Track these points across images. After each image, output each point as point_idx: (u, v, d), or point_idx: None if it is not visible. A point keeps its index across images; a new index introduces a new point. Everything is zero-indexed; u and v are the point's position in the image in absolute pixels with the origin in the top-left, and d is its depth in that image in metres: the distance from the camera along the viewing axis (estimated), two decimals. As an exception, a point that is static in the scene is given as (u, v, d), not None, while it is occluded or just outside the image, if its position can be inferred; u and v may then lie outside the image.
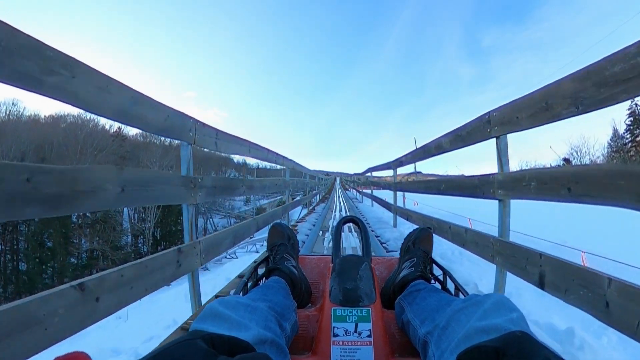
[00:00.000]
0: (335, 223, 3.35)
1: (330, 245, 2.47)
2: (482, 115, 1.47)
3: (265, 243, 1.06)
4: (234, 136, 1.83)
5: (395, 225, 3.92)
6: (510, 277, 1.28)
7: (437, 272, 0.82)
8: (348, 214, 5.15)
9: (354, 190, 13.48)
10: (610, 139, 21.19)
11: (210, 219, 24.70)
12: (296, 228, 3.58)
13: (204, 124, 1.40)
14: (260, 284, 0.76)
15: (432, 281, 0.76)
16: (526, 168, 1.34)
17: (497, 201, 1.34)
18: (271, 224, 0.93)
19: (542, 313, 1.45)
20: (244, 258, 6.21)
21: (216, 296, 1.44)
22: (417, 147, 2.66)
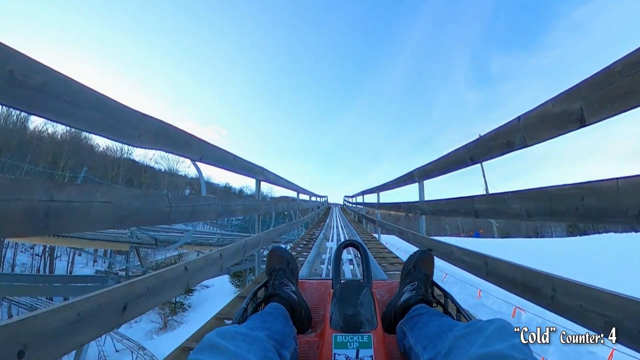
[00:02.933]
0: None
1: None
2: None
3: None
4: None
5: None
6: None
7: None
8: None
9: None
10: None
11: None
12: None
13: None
14: (260, 309, 0.77)
15: (434, 304, 0.77)
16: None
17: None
18: (270, 248, 0.94)
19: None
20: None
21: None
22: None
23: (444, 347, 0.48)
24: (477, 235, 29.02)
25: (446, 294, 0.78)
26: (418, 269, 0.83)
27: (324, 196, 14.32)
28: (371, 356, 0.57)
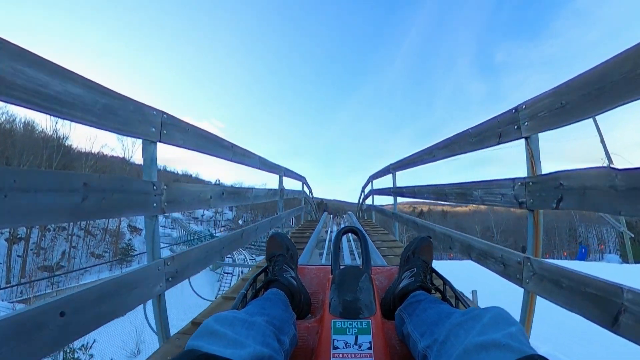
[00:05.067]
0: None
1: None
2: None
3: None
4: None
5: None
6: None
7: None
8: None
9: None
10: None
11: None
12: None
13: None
14: (259, 295, 0.79)
15: (433, 291, 0.79)
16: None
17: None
18: (269, 235, 0.97)
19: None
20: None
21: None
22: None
23: (441, 335, 0.49)
24: (583, 256, 18.67)
25: (445, 281, 0.80)
26: (417, 255, 0.86)
27: (301, 177, 5.89)
28: (370, 342, 0.59)
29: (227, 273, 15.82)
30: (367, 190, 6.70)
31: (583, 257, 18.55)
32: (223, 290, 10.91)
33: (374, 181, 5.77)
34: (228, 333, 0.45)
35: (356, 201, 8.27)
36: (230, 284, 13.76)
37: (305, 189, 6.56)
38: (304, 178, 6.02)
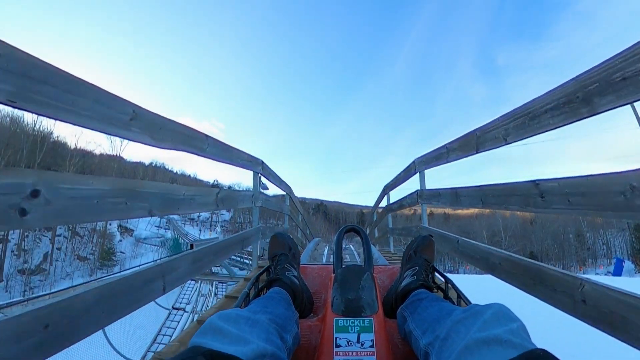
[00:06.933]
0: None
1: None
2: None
3: None
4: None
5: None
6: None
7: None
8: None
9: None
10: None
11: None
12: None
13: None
14: (262, 294, 0.82)
15: (434, 290, 0.82)
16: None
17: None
18: (272, 234, 1.01)
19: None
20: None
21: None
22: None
23: (443, 331, 0.52)
24: (619, 271, 17.15)
25: (447, 280, 0.83)
26: (419, 254, 0.89)
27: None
28: (372, 340, 0.61)
29: (177, 309, 9.71)
30: (395, 191, 3.64)
31: (620, 271, 17.09)
32: (159, 346, 7.09)
33: (427, 171, 2.60)
34: (232, 330, 0.47)
35: (358, 203, 6.36)
36: (175, 332, 8.11)
37: (273, 186, 3.34)
38: (260, 161, 2.50)
